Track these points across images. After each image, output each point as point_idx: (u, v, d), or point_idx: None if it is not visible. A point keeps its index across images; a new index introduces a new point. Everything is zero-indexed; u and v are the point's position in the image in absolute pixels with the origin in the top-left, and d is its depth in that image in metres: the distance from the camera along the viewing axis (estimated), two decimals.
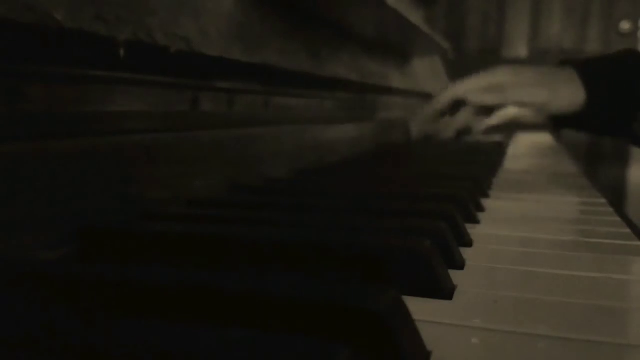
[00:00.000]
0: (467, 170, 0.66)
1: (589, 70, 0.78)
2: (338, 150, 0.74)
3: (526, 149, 1.14)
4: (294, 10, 0.61)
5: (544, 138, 1.40)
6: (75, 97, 0.31)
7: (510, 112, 0.89)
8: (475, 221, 0.41)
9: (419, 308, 0.22)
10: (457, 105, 0.89)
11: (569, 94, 0.78)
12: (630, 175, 1.87)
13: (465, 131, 0.95)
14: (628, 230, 0.39)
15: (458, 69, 1.65)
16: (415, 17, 0.85)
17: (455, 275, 0.27)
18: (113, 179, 0.33)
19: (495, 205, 0.48)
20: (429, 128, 0.93)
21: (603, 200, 0.53)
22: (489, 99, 0.83)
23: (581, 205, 0.50)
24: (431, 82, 1.39)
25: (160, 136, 0.38)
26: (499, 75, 0.84)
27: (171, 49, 0.37)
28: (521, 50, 2.12)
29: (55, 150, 0.29)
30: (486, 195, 0.53)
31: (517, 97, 0.81)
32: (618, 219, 0.44)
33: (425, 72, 1.34)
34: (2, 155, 0.27)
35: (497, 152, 0.91)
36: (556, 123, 0.87)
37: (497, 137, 1.22)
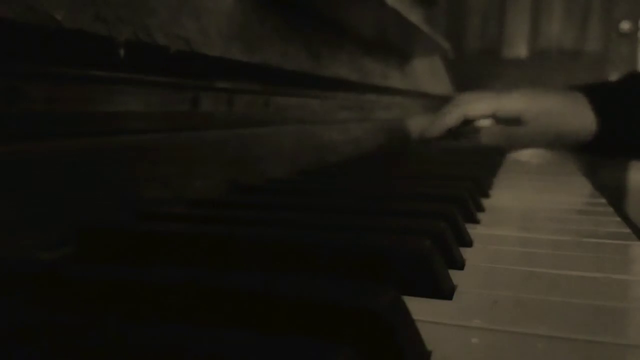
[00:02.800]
0: (468, 170, 0.66)
1: (599, 98, 0.79)
2: (338, 150, 0.73)
3: (527, 149, 1.14)
4: (294, 10, 0.61)
5: None
6: (75, 97, 0.31)
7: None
8: (475, 221, 0.41)
9: (419, 308, 0.22)
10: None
11: (582, 124, 0.78)
12: (630, 175, 1.87)
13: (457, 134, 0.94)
14: (628, 230, 0.39)
15: (458, 69, 1.65)
16: (415, 17, 0.85)
17: (455, 275, 0.27)
18: (113, 179, 0.33)
19: (496, 205, 0.48)
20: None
21: (603, 200, 0.53)
22: (501, 130, 0.83)
23: (581, 205, 0.50)
24: (431, 82, 1.39)
25: (160, 136, 0.38)
26: (515, 104, 0.83)
27: (171, 49, 0.37)
28: (521, 50, 2.12)
29: (55, 150, 0.29)
30: (486, 195, 0.53)
31: (534, 131, 0.80)
32: (618, 219, 0.44)
33: (425, 72, 1.34)
34: (2, 155, 0.27)
35: (497, 153, 0.91)
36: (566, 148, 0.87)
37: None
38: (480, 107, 0.86)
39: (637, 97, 0.77)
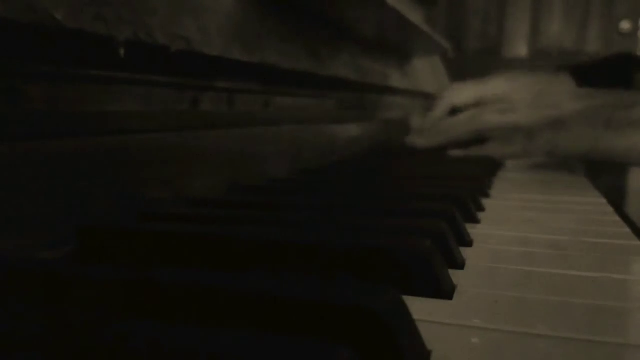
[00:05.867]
0: (468, 170, 0.66)
1: (585, 76, 0.78)
2: (338, 150, 0.73)
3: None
4: (294, 10, 0.60)
5: None
6: (75, 97, 0.31)
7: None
8: (476, 221, 0.41)
9: (419, 308, 0.22)
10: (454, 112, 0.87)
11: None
12: (631, 175, 1.87)
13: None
14: (628, 230, 0.39)
15: (458, 69, 1.65)
16: (415, 17, 0.85)
17: (455, 275, 0.27)
18: (113, 179, 0.33)
19: (496, 205, 0.48)
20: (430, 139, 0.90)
21: (603, 200, 0.53)
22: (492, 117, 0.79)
23: (581, 205, 0.50)
24: (431, 82, 1.39)
25: (160, 136, 0.38)
26: (499, 85, 0.81)
27: (171, 48, 0.37)
28: (521, 50, 2.12)
29: (55, 150, 0.29)
30: (486, 195, 0.53)
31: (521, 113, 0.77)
32: (618, 218, 0.44)
33: (425, 72, 1.34)
34: (2, 155, 0.27)
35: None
36: None
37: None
38: (464, 93, 0.85)
39: (623, 76, 0.76)
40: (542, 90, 0.78)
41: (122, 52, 0.33)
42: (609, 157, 0.70)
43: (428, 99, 1.25)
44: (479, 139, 0.81)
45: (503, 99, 0.80)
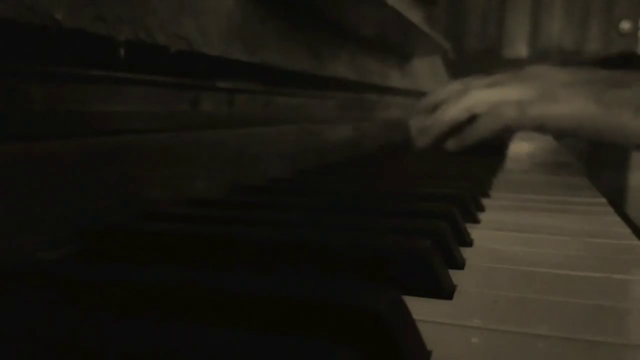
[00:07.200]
0: (467, 170, 0.66)
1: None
2: (338, 150, 0.73)
3: (527, 149, 1.14)
4: (294, 10, 0.61)
5: (545, 139, 1.40)
6: (75, 97, 0.31)
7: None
8: (476, 221, 0.41)
9: (419, 308, 0.22)
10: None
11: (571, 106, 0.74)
12: (631, 174, 1.87)
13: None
14: (628, 230, 0.39)
15: (458, 69, 1.65)
16: (415, 16, 0.85)
17: (455, 275, 0.27)
18: (113, 179, 0.33)
19: (496, 205, 0.48)
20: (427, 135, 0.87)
21: (603, 200, 0.53)
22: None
23: (581, 205, 0.50)
24: (431, 82, 1.39)
25: (160, 136, 0.38)
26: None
27: (171, 48, 0.37)
28: (521, 50, 2.12)
29: (55, 150, 0.29)
30: (486, 195, 0.53)
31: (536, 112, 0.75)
32: (618, 218, 0.44)
33: (425, 72, 1.34)
34: (2, 155, 0.27)
35: (497, 153, 0.91)
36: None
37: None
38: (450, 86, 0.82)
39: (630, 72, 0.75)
40: (528, 67, 0.77)
41: (122, 52, 0.33)
42: (597, 136, 0.70)
43: None
44: (471, 118, 0.79)
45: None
